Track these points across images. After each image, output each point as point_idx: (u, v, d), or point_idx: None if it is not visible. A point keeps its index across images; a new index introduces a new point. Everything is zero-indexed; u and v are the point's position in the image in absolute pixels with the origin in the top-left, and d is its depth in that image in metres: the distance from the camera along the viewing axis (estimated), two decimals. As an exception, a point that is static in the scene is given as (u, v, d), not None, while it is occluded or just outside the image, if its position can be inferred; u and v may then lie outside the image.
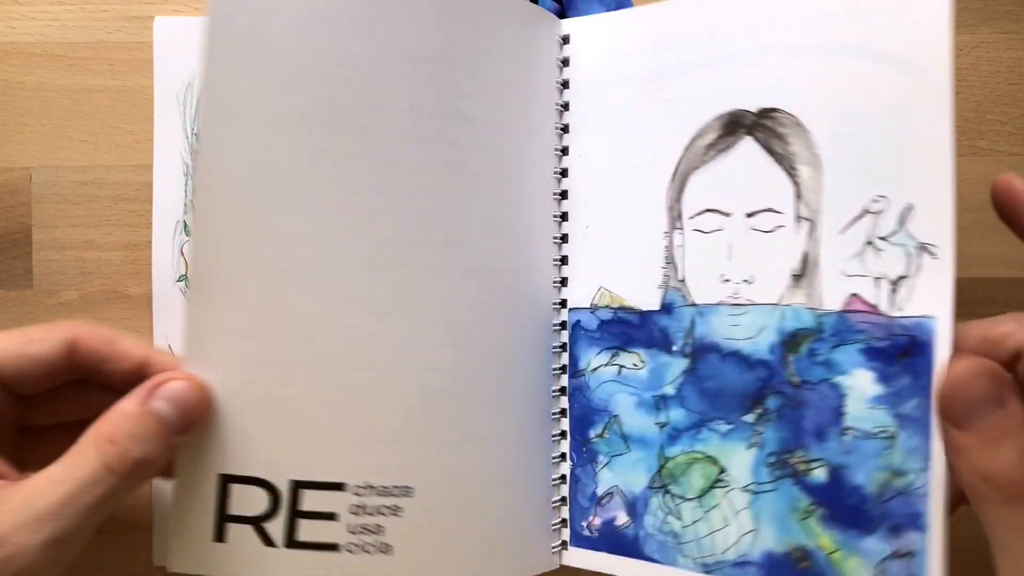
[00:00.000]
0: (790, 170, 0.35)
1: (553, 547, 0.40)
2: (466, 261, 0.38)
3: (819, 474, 0.34)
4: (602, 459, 0.39)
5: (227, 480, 0.35)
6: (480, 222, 0.38)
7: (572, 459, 0.40)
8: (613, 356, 0.39)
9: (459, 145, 0.38)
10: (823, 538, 0.34)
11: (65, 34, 0.41)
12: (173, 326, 0.40)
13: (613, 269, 0.39)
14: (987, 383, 0.29)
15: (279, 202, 0.35)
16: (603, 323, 0.39)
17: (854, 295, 0.34)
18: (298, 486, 0.35)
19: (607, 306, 0.39)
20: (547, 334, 0.40)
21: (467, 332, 0.38)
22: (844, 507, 0.33)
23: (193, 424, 0.33)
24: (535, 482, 0.39)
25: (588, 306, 0.39)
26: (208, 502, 0.35)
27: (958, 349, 0.31)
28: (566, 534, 0.40)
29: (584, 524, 0.39)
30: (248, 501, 0.35)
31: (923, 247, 0.32)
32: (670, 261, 0.37)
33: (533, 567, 0.39)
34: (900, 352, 0.32)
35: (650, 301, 0.38)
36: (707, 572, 0.36)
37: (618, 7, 0.41)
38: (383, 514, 0.36)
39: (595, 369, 0.39)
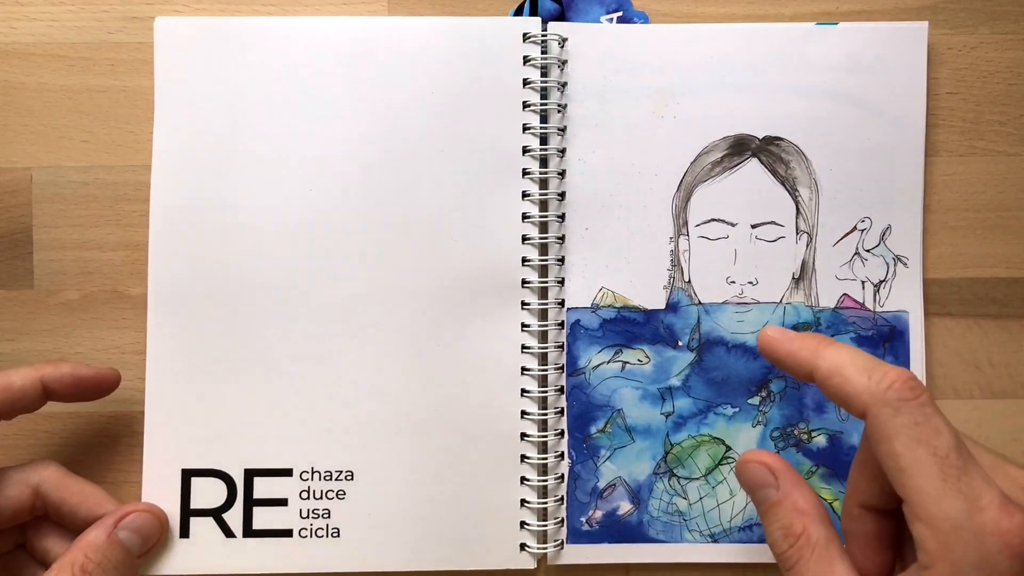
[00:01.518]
0: (792, 191, 0.41)
1: (529, 547, 0.41)
2: (422, 268, 0.41)
3: (820, 441, 0.42)
4: (604, 453, 0.42)
5: (189, 474, 0.40)
6: (443, 228, 0.41)
7: (571, 457, 0.41)
8: (616, 353, 0.42)
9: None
10: (824, 491, 0.42)
11: (66, 34, 0.42)
12: (170, 327, 0.41)
13: (616, 270, 0.42)
14: (757, 471, 0.35)
15: (235, 227, 0.41)
16: (606, 322, 0.42)
17: (845, 295, 0.42)
18: (251, 474, 0.40)
19: (610, 305, 0.42)
20: (511, 335, 0.41)
21: (417, 335, 0.41)
22: (843, 464, 0.41)
23: (152, 548, 0.39)
24: (487, 479, 0.41)
25: (589, 306, 0.41)
26: (173, 498, 0.40)
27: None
28: (563, 533, 0.41)
29: (583, 520, 0.41)
30: (208, 493, 0.40)
31: (898, 258, 0.42)
32: (676, 264, 0.42)
33: (490, 562, 0.41)
34: (884, 339, 0.42)
35: (655, 301, 0.42)
36: (714, 541, 0.41)
37: (618, 8, 0.41)
38: (329, 498, 0.41)
39: (596, 367, 0.42)
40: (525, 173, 0.41)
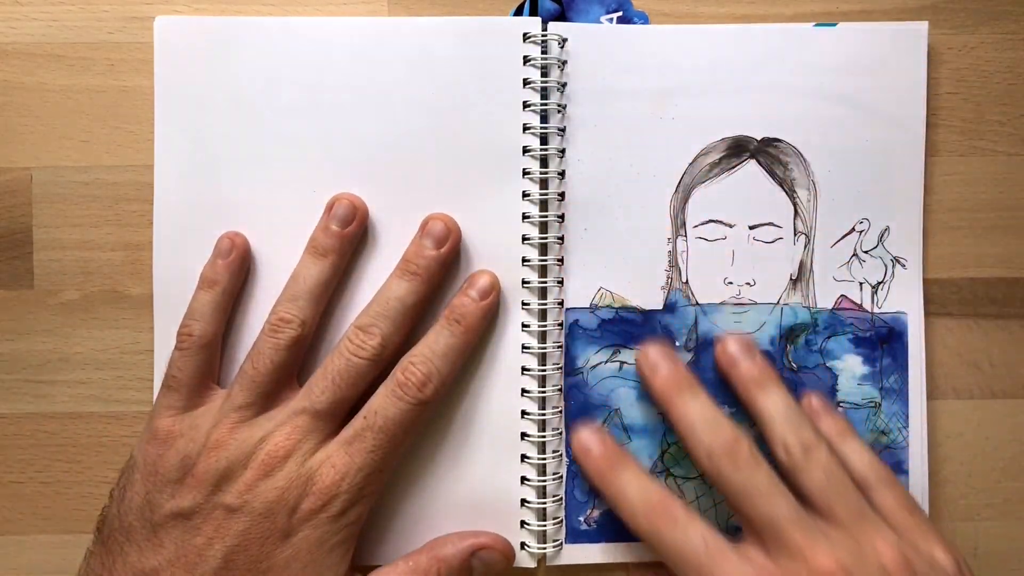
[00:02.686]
0: (790, 192, 0.42)
1: (529, 546, 0.41)
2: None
3: None
4: None
5: None
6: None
7: (568, 456, 0.41)
8: (614, 353, 0.42)
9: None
10: None
11: (65, 34, 0.42)
12: (175, 326, 0.41)
13: (615, 271, 0.42)
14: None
15: (237, 227, 0.41)
16: (604, 322, 0.42)
17: (843, 296, 0.42)
18: None
19: (608, 306, 0.42)
20: (511, 335, 0.42)
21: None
22: None
23: None
24: (488, 478, 0.41)
25: (587, 306, 0.42)
26: None
27: None
28: (562, 532, 0.42)
29: (581, 519, 0.42)
30: None
31: (896, 260, 0.42)
32: (674, 265, 0.42)
33: None
34: (882, 340, 0.42)
35: (653, 301, 0.42)
36: None
37: (618, 8, 0.42)
38: None
39: (594, 366, 0.42)
40: (525, 173, 0.41)
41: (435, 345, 0.39)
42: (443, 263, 0.40)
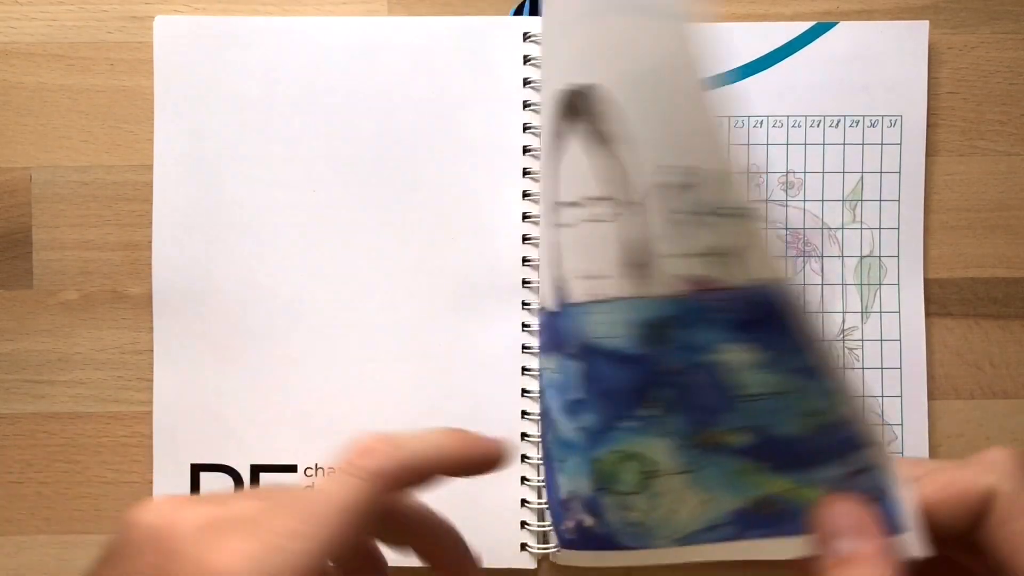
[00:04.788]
0: (611, 151, 0.30)
1: (530, 547, 0.42)
2: (423, 268, 0.42)
3: (743, 439, 0.31)
4: (556, 464, 0.36)
5: (198, 469, 0.42)
6: (444, 228, 0.42)
7: (545, 464, 0.39)
8: (545, 359, 0.36)
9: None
10: (777, 484, 0.32)
11: (65, 34, 0.42)
12: (174, 326, 0.41)
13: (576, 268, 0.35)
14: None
15: (237, 227, 0.42)
16: (541, 325, 0.39)
17: (697, 276, 0.29)
18: (257, 470, 0.42)
19: (543, 307, 0.36)
20: (511, 334, 0.42)
21: (418, 335, 0.42)
22: (782, 456, 0.32)
23: None
24: (488, 478, 0.39)
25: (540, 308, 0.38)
26: (183, 491, 0.41)
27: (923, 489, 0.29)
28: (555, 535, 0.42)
29: (563, 528, 0.37)
30: (216, 487, 0.42)
31: (739, 212, 0.27)
32: (556, 260, 0.34)
33: (491, 561, 0.41)
34: (755, 319, 0.29)
35: (552, 302, 0.34)
36: (684, 544, 0.35)
37: (618, 7, 0.42)
38: None
39: (541, 372, 0.38)
40: (525, 173, 0.41)
41: None
42: None
